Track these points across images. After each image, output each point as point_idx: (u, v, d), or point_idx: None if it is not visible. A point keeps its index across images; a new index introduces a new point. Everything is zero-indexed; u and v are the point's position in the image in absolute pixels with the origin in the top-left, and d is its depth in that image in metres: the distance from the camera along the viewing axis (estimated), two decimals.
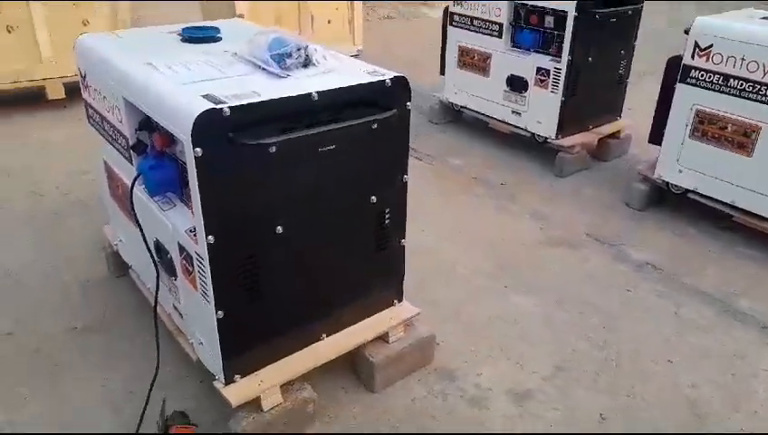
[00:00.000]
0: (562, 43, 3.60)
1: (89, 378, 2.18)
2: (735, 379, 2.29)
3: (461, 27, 4.18)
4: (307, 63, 1.85)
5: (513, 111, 4.01)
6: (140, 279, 2.37)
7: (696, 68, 3.04)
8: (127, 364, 2.23)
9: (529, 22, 3.80)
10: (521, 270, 2.89)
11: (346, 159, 1.82)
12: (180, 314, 2.04)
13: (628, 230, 3.26)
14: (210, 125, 1.53)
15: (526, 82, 3.86)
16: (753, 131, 2.92)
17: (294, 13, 5.24)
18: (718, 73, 2.97)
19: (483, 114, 4.24)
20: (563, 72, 3.64)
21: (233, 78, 1.78)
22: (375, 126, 1.83)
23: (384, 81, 1.82)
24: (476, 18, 4.05)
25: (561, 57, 3.63)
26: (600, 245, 3.13)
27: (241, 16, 4.99)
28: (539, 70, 3.77)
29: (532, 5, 3.73)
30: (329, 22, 5.48)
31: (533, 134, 3.94)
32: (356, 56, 5.64)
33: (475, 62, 4.15)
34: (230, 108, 1.54)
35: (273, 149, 1.62)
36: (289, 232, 1.77)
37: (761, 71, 2.82)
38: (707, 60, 2.99)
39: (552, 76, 3.71)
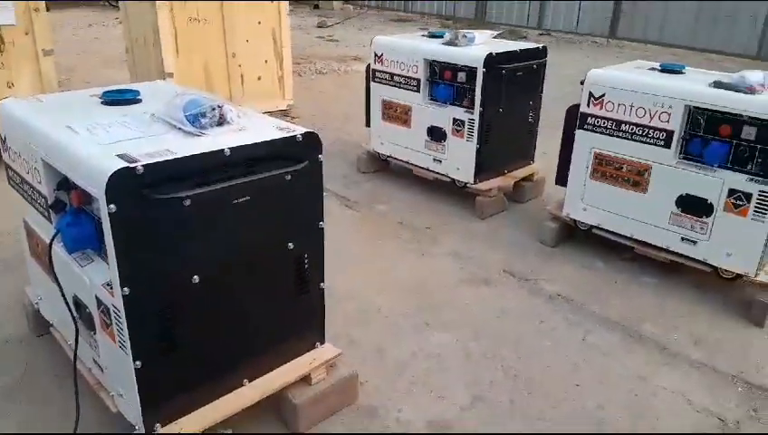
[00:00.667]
0: (474, 96, 3.89)
1: None
2: (637, 399, 2.48)
3: (383, 83, 4.43)
4: (222, 122, 1.98)
5: (434, 159, 4.25)
6: (62, 336, 2.37)
7: (591, 115, 3.35)
8: (48, 423, 2.21)
9: (444, 77, 4.09)
10: (441, 308, 3.04)
11: (261, 209, 1.94)
12: (101, 368, 2.06)
13: (541, 265, 3.49)
14: (124, 182, 1.62)
15: (444, 132, 4.12)
16: (645, 170, 3.22)
17: (224, 70, 5.40)
18: (611, 120, 3.28)
19: (407, 162, 4.46)
20: (476, 122, 3.91)
21: (149, 138, 1.89)
22: (288, 177, 1.97)
23: (295, 136, 1.98)
24: (396, 74, 4.31)
25: (473, 109, 3.91)
26: (515, 280, 3.34)
27: (170, 75, 5.12)
28: (455, 120, 4.04)
29: (445, 63, 4.02)
30: (259, 78, 5.66)
31: (454, 180, 4.18)
32: (286, 111, 5.86)
33: (398, 115, 4.40)
34: (143, 166, 1.65)
35: (188, 202, 1.73)
36: (206, 282, 1.85)
37: (647, 116, 3.14)
38: (601, 108, 3.31)
39: (466, 126, 3.97)
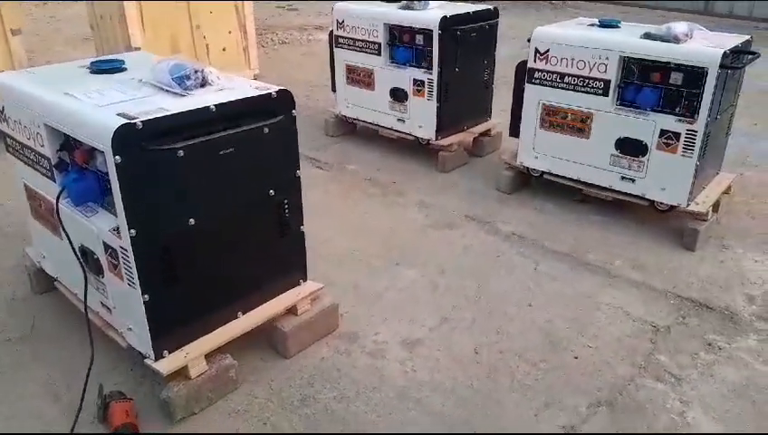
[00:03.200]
0: (432, 57, 4.15)
1: (30, 378, 2.41)
2: (582, 313, 2.85)
3: (346, 48, 4.66)
4: (204, 84, 2.23)
5: (397, 119, 4.53)
6: (66, 288, 2.61)
7: (538, 70, 3.66)
8: (61, 364, 2.47)
9: (403, 40, 4.34)
10: (409, 249, 3.37)
11: (245, 159, 2.20)
12: (109, 309, 2.32)
13: (499, 210, 3.83)
14: (126, 137, 1.87)
15: (406, 92, 4.39)
16: (588, 118, 3.56)
17: (189, 42, 5.54)
18: (556, 73, 3.60)
19: (373, 124, 4.73)
20: (435, 81, 4.19)
21: (141, 99, 2.12)
22: (266, 130, 2.23)
23: (270, 93, 2.23)
24: (358, 40, 4.54)
25: (432, 69, 4.18)
26: (475, 223, 3.67)
27: (137, 50, 5.24)
28: (415, 81, 4.31)
29: (404, 26, 4.27)
30: (224, 49, 5.81)
31: (417, 138, 4.47)
32: (255, 79, 6.03)
33: (362, 78, 4.64)
34: (142, 121, 1.89)
35: (181, 153, 1.98)
36: (200, 224, 2.12)
37: (587, 67, 3.46)
38: (546, 62, 3.62)
39: (426, 86, 4.25)
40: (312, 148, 4.80)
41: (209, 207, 2.15)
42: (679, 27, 3.23)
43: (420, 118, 4.38)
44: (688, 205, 3.36)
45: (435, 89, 4.21)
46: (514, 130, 3.96)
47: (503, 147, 4.76)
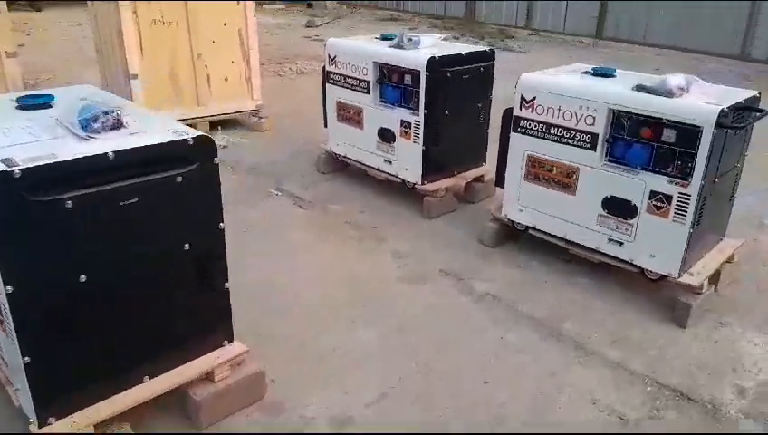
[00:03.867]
0: (419, 98, 3.94)
1: None
2: (543, 395, 2.54)
3: (337, 84, 4.50)
4: (117, 126, 2.06)
5: (385, 160, 4.31)
6: None
7: (524, 118, 3.41)
8: None
9: (392, 80, 4.15)
10: (371, 304, 3.12)
11: (152, 210, 2.01)
12: (5, 363, 2.14)
13: (479, 265, 3.54)
14: (3, 186, 1.70)
15: (394, 133, 4.18)
16: (574, 172, 3.27)
17: (190, 71, 5.48)
18: (542, 122, 3.33)
19: (361, 163, 4.52)
20: (422, 123, 3.97)
21: (43, 142, 1.96)
22: (180, 180, 2.04)
23: (186, 139, 2.04)
24: (348, 76, 4.37)
25: (419, 111, 3.97)
26: (450, 279, 3.39)
27: (135, 77, 5.21)
28: (402, 122, 4.10)
29: (393, 65, 4.08)
30: (225, 79, 5.73)
31: (403, 181, 4.24)
32: (255, 111, 5.94)
33: (351, 116, 4.46)
34: (20, 169, 1.72)
35: (70, 203, 1.80)
36: (94, 281, 1.93)
37: (574, 119, 3.19)
38: (532, 111, 3.36)
39: (413, 128, 4.03)
40: (299, 185, 4.62)
41: (106, 263, 1.96)
42: (674, 80, 2.94)
43: (407, 160, 4.15)
44: (680, 276, 3.02)
45: (421, 131, 3.99)
46: (500, 180, 3.70)
47: (497, 193, 4.48)
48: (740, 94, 3.04)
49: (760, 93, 3.13)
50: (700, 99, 2.90)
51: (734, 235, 3.66)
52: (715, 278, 3.24)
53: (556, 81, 3.29)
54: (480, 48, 4.19)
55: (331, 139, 4.72)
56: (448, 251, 3.71)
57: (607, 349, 2.84)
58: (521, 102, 3.40)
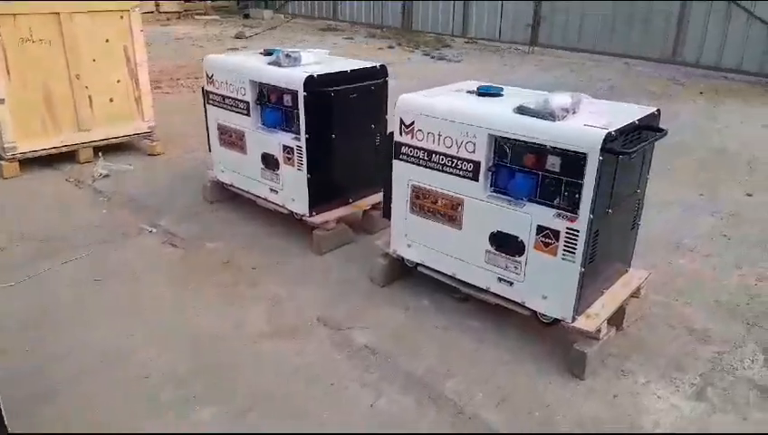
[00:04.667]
0: (300, 121, 3.53)
1: None
2: None
3: (216, 105, 4.05)
4: None
5: (271, 189, 3.88)
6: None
7: (405, 144, 3.03)
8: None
9: (271, 101, 3.72)
10: (219, 374, 2.65)
11: None
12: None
13: (363, 309, 3.14)
14: None
15: (277, 159, 3.75)
16: (458, 205, 2.90)
17: (67, 92, 4.94)
18: (423, 149, 2.96)
19: (247, 192, 4.08)
20: (304, 149, 3.55)
21: None
22: None
23: None
24: (227, 97, 3.93)
25: (300, 135, 3.55)
26: (326, 330, 2.98)
27: (1, 102, 4.65)
28: (285, 147, 3.67)
29: (271, 85, 3.66)
30: (111, 100, 5.20)
31: (292, 212, 3.81)
32: (149, 133, 5.43)
33: (234, 140, 4.02)
34: None
35: None
36: None
37: (455, 145, 2.82)
38: (412, 137, 2.98)
39: (296, 154, 3.61)
40: (179, 218, 4.14)
41: None
42: (557, 99, 2.59)
43: (292, 189, 3.72)
44: (574, 320, 2.68)
45: (305, 157, 3.57)
46: (386, 212, 3.31)
47: None
48: (634, 113, 2.72)
49: (658, 110, 2.83)
50: (586, 121, 2.56)
51: (648, 259, 3.39)
52: (618, 317, 2.93)
53: (434, 103, 2.92)
54: (369, 64, 3.80)
55: (215, 165, 4.26)
56: (334, 292, 3.30)
57: (489, 411, 2.46)
58: (400, 127, 3.01)
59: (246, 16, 15.95)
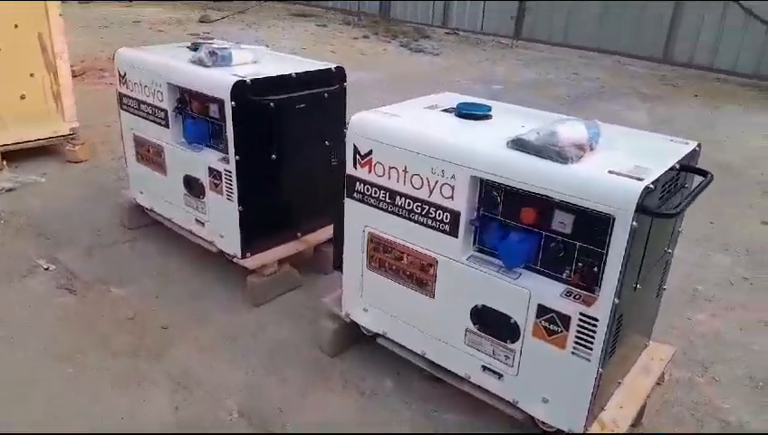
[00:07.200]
0: (228, 138, 2.72)
1: None
2: None
3: (130, 111, 3.22)
4: None
5: (196, 220, 3.07)
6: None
7: (360, 180, 2.25)
8: None
9: (194, 110, 2.91)
10: None
11: None
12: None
13: (302, 395, 2.37)
14: None
15: (202, 184, 2.94)
16: (431, 266, 2.14)
17: None
18: (383, 188, 2.18)
19: (170, 221, 3.26)
20: (234, 174, 2.75)
21: None
22: None
23: None
24: (143, 102, 3.11)
25: (229, 155, 2.74)
26: (249, 432, 2.20)
27: None
28: (211, 171, 2.86)
29: (193, 90, 2.84)
30: (22, 97, 4.32)
31: (221, 250, 3.01)
32: (71, 136, 4.56)
33: (152, 156, 3.19)
34: None
35: None
36: None
37: (426, 187, 2.05)
38: (370, 170, 2.20)
39: (224, 179, 2.80)
40: (84, 250, 3.31)
41: None
42: (569, 132, 1.82)
43: (221, 224, 2.92)
44: (586, 429, 1.94)
45: (234, 185, 2.76)
46: (338, 262, 2.53)
47: None
48: (671, 151, 1.98)
49: (699, 145, 2.09)
50: (609, 164, 1.80)
51: (664, 315, 2.66)
52: (638, 416, 2.20)
53: (398, 127, 2.14)
54: (322, 65, 2.99)
55: (132, 185, 3.43)
56: (265, 367, 2.52)
57: None
58: (355, 157, 2.23)
59: None
